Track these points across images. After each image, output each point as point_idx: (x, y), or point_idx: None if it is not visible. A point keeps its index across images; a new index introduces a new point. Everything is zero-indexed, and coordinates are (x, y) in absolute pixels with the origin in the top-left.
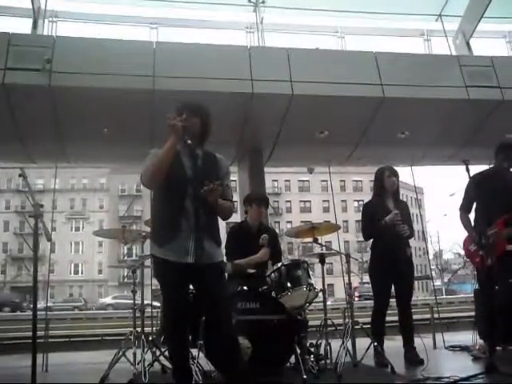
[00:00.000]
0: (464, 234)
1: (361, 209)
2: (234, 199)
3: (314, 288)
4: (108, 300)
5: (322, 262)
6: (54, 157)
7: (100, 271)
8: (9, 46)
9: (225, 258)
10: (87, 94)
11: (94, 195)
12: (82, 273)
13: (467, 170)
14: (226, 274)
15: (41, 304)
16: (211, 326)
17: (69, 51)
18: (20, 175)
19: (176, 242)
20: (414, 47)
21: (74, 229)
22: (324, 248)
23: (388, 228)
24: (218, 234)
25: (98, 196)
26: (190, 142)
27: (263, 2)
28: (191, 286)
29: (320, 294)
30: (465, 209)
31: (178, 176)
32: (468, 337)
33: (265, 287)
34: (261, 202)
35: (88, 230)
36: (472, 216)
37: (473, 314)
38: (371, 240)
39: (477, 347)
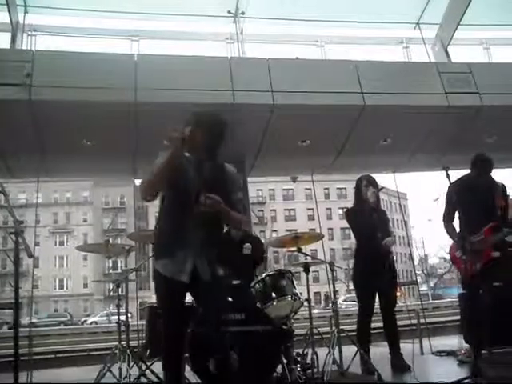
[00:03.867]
0: (450, 239)
1: (346, 219)
2: None
3: (299, 297)
4: (96, 318)
5: (307, 271)
6: (35, 171)
7: (85, 285)
8: None
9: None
10: (68, 108)
11: (78, 209)
12: (66, 287)
13: (447, 176)
14: None
15: (25, 320)
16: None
17: (48, 65)
18: (0, 192)
19: (173, 258)
20: (394, 55)
21: (58, 243)
22: (308, 257)
23: (371, 237)
24: (218, 249)
25: (81, 209)
26: (187, 154)
27: (242, 13)
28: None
29: (305, 303)
30: (447, 218)
31: (181, 189)
32: (455, 341)
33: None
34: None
35: (72, 244)
36: (456, 223)
37: (458, 318)
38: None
39: (462, 351)
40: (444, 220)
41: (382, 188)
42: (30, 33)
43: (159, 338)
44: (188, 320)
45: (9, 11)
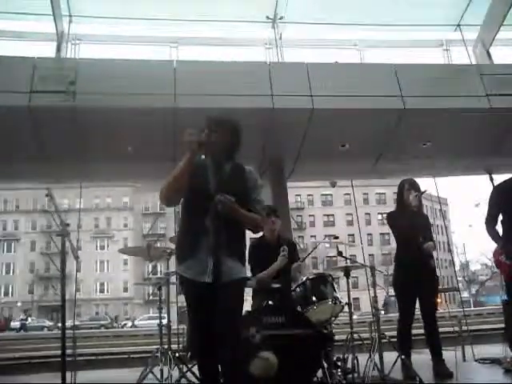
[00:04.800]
0: (491, 244)
1: (384, 222)
2: None
3: (340, 301)
4: (136, 322)
5: (347, 275)
6: (78, 176)
7: (125, 289)
8: (34, 70)
9: (249, 274)
10: (110, 114)
11: (118, 214)
12: (107, 291)
13: (491, 179)
14: (252, 289)
15: (68, 323)
16: (220, 342)
17: (91, 73)
18: (47, 195)
19: (194, 259)
20: (434, 58)
21: (98, 247)
22: (348, 261)
23: (412, 241)
24: (241, 250)
25: (122, 215)
26: (203, 157)
27: (281, 18)
28: None
29: (346, 308)
30: (490, 222)
31: (200, 191)
32: (498, 349)
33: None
34: (269, 213)
35: (113, 249)
36: (499, 227)
37: (502, 325)
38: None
39: (508, 360)
40: (487, 223)
41: (425, 191)
42: (73, 41)
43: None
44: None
45: (55, 21)
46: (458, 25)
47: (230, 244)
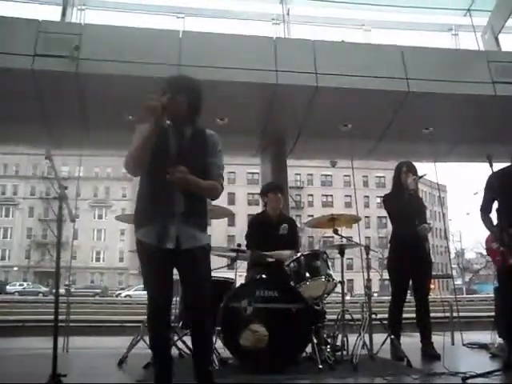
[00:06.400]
0: (488, 233)
1: (383, 205)
2: (257, 191)
3: (333, 279)
4: (130, 292)
5: (342, 253)
6: (78, 143)
7: (121, 259)
8: (38, 33)
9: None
10: (113, 82)
11: (118, 184)
12: (103, 260)
13: (490, 165)
14: (247, 263)
15: (62, 289)
16: (190, 310)
17: (96, 39)
18: (46, 157)
19: (156, 225)
20: (441, 42)
21: (96, 216)
22: (344, 239)
23: (408, 223)
24: (203, 217)
25: (121, 185)
26: (168, 122)
27: None
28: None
29: (338, 288)
30: (485, 209)
31: (162, 155)
32: (487, 336)
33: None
34: (275, 190)
35: (110, 218)
36: (493, 215)
37: (493, 313)
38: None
39: (495, 345)
40: (481, 210)
41: (424, 175)
42: (79, 7)
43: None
44: (172, 287)
45: None
46: (468, 9)
47: (193, 210)
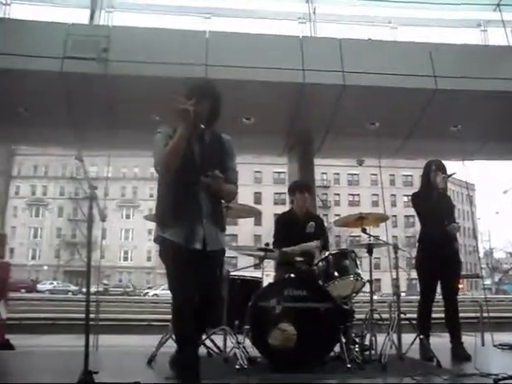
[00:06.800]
0: None
1: (410, 204)
2: (283, 190)
3: (361, 278)
4: (157, 291)
5: (370, 252)
6: (106, 144)
7: (149, 258)
8: (67, 36)
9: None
10: (140, 82)
11: (145, 184)
12: (131, 259)
13: None
14: (275, 262)
15: (92, 288)
16: (200, 309)
17: (124, 41)
18: (76, 157)
19: (183, 227)
20: (470, 38)
21: (124, 216)
22: (372, 238)
23: (437, 222)
24: (222, 219)
25: (148, 185)
26: (202, 126)
27: None
28: None
29: (365, 286)
30: None
31: (187, 161)
32: None
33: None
34: (303, 188)
35: (138, 218)
36: None
37: None
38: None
39: None
40: None
41: (453, 174)
42: (107, 9)
43: (218, 309)
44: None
45: None
46: (498, 4)
47: (215, 212)
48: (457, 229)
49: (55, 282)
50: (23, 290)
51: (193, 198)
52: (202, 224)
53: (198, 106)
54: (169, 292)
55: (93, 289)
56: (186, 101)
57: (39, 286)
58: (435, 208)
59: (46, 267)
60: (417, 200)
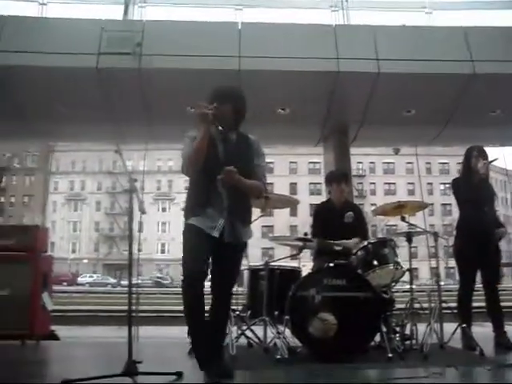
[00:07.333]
0: None
1: (447, 192)
2: (318, 181)
3: (401, 267)
4: None
5: (409, 241)
6: (143, 138)
7: None
8: (102, 32)
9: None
10: (175, 76)
11: (180, 177)
12: (168, 252)
13: None
14: (313, 251)
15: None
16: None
17: (157, 35)
18: (116, 151)
19: (206, 216)
20: (507, 20)
21: (160, 209)
22: (411, 227)
23: (477, 209)
24: (248, 215)
25: (183, 178)
26: (221, 128)
27: None
28: None
29: (406, 274)
30: None
31: (212, 161)
32: None
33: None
34: (340, 179)
35: (174, 211)
36: None
37: None
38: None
39: None
40: None
41: (495, 160)
42: (140, 4)
43: (260, 300)
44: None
45: None
46: None
47: (239, 208)
48: (504, 234)
49: (95, 275)
50: (65, 283)
51: (216, 193)
52: (223, 216)
53: (218, 110)
54: (208, 283)
55: (132, 281)
56: (206, 105)
57: (79, 279)
58: (475, 194)
59: (85, 260)
60: (456, 185)
